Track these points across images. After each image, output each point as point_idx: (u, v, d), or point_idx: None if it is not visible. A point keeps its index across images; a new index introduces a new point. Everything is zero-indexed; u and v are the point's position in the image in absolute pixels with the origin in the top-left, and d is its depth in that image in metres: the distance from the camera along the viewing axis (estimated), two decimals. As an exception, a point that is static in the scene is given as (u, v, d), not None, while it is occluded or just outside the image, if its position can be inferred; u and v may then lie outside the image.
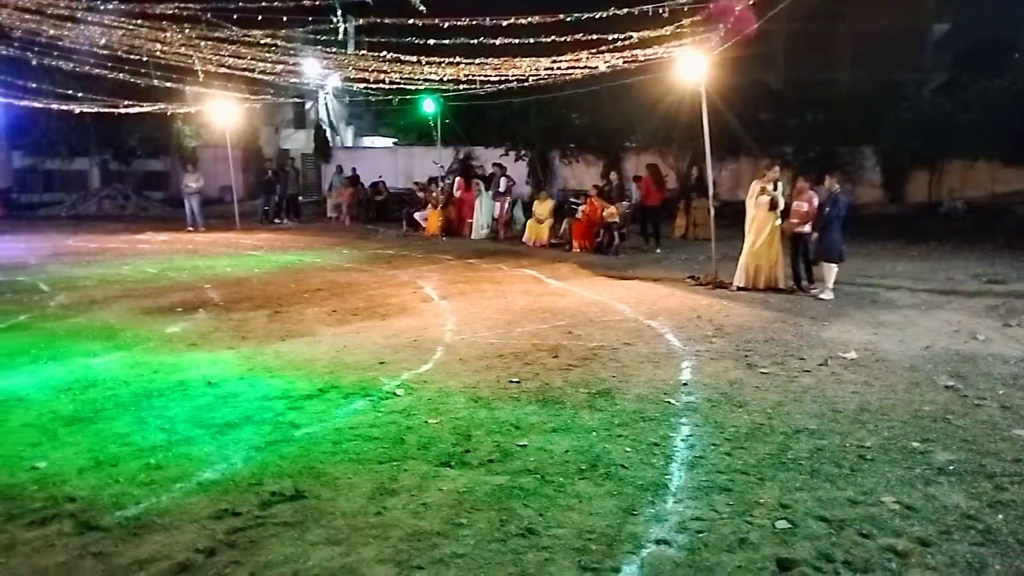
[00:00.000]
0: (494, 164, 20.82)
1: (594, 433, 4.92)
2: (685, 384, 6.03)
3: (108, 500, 3.94)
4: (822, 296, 9.82)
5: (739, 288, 10.39)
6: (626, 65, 12.41)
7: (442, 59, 13.95)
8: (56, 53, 13.92)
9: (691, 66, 11.14)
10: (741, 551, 3.43)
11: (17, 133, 25.96)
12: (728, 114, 18.38)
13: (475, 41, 13.17)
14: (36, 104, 17.73)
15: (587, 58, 12.53)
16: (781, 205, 10.29)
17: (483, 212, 17.98)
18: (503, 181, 18.82)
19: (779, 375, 6.30)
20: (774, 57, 31.48)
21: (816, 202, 10.20)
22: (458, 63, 13.94)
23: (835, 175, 10.53)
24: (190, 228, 19.51)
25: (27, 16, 12.35)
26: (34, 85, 16.94)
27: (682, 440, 4.81)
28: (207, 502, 3.91)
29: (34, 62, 15.01)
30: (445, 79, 15.23)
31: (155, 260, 13.78)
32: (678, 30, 10.42)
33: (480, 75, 14.43)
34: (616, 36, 11.08)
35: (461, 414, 5.30)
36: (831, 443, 4.76)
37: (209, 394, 5.77)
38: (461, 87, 16.19)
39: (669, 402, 5.57)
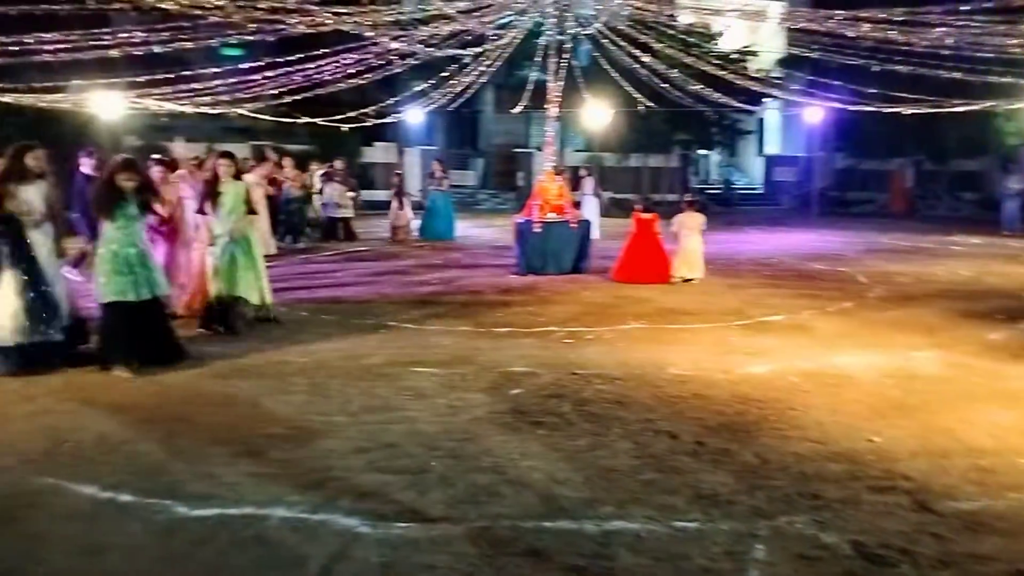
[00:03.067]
0: None
1: None
2: None
3: (939, 488, 4.08)
4: None
5: None
6: None
7: None
8: (897, 57, 14.53)
9: None
10: None
11: (841, 136, 28.29)
12: None
13: None
14: (863, 108, 18.90)
15: None
16: None
17: None
18: None
19: None
20: None
21: None
22: None
23: None
24: (1006, 232, 18.10)
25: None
26: (865, 90, 18.06)
27: None
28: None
29: (871, 68, 16.00)
30: None
31: (968, 263, 13.33)
32: None
33: None
34: None
35: None
36: None
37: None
38: None
39: None
